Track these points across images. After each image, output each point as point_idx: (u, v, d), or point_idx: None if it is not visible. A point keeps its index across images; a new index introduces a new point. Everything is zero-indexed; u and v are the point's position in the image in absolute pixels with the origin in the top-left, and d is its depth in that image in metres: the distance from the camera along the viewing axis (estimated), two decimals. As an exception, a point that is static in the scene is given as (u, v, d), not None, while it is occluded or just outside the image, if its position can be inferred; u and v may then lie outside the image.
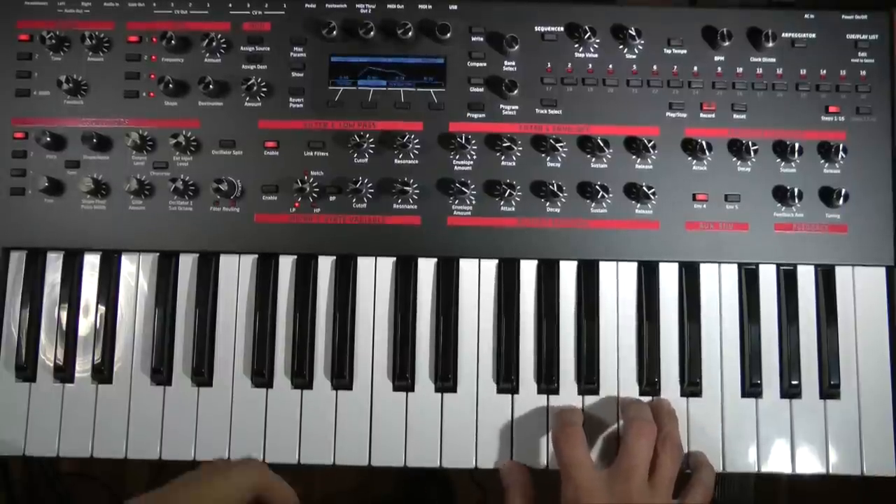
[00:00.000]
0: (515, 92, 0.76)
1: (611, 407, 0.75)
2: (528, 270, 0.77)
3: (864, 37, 0.79)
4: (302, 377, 0.75)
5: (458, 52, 0.79)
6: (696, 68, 0.78)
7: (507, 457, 0.74)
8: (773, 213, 0.77)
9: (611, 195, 0.76)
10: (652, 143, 0.75)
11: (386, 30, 0.78)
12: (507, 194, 0.75)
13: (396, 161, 0.78)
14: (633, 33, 0.77)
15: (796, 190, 0.75)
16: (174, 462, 0.75)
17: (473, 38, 0.79)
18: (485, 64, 0.79)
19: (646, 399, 0.75)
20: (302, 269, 0.77)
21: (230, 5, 0.79)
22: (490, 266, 0.77)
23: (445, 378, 0.75)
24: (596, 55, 0.79)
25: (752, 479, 0.99)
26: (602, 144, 0.75)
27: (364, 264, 0.77)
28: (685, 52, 0.78)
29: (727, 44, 0.77)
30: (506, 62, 0.79)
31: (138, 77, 0.78)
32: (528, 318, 0.76)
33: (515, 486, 0.72)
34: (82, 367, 0.76)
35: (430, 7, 0.79)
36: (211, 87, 0.76)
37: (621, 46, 0.79)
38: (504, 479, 0.73)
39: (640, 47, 0.78)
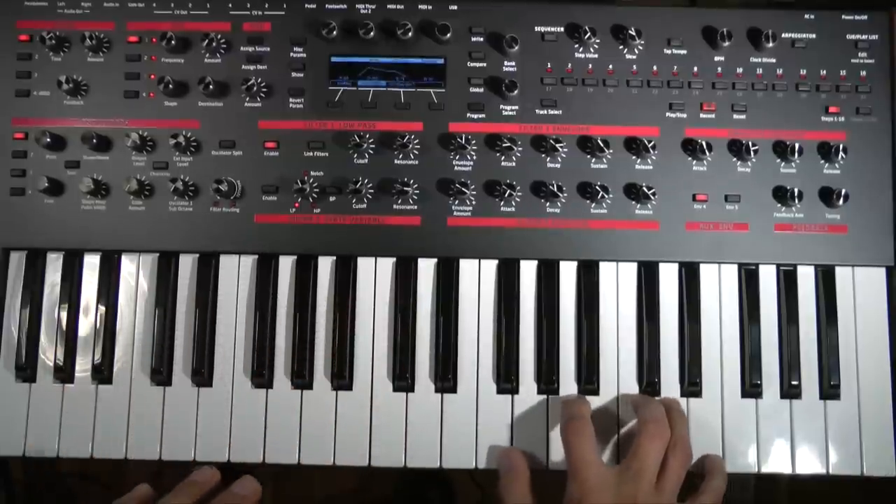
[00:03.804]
0: (515, 92, 0.76)
1: (611, 407, 0.75)
2: (528, 271, 0.77)
3: (864, 37, 0.79)
4: (302, 377, 0.75)
5: (458, 52, 0.79)
6: (696, 68, 0.78)
7: (507, 457, 0.74)
8: (773, 214, 0.77)
9: (611, 195, 0.76)
10: (652, 143, 0.75)
11: (386, 30, 0.78)
12: (507, 194, 0.75)
13: (396, 161, 0.78)
14: (633, 33, 0.77)
15: (796, 190, 0.75)
16: (174, 463, 0.75)
17: (473, 39, 0.79)
18: (485, 64, 0.79)
19: (646, 399, 0.75)
20: (302, 270, 0.77)
21: (230, 5, 0.79)
22: (490, 266, 0.77)
23: (445, 378, 0.75)
24: (596, 55, 0.79)
25: (752, 480, 0.99)
26: (602, 145, 0.75)
27: (364, 265, 0.77)
28: (685, 52, 0.78)
29: (727, 44, 0.77)
30: (506, 62, 0.79)
31: (138, 77, 0.78)
32: (528, 318, 0.76)
33: (512, 470, 0.71)
34: (82, 367, 0.76)
35: (429, 7, 0.79)
36: (211, 87, 0.76)
37: (621, 47, 0.79)
38: (500, 465, 0.73)
39: (640, 47, 0.78)
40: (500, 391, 0.75)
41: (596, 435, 0.74)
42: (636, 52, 0.79)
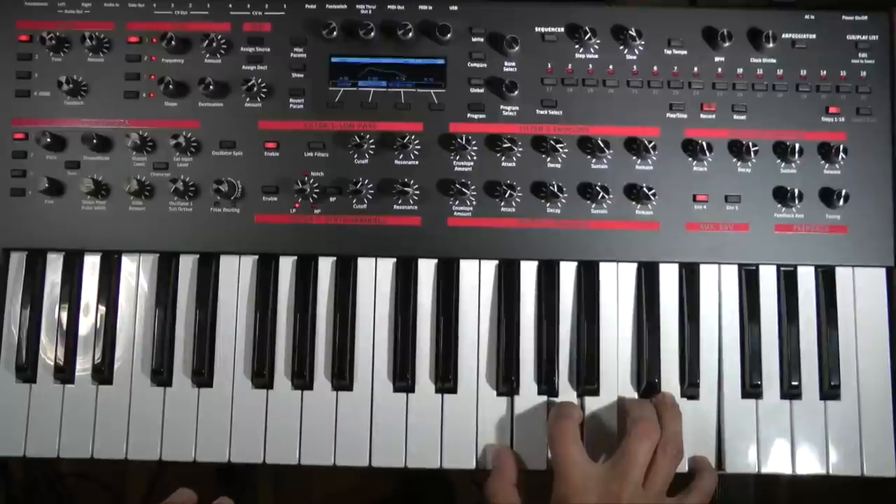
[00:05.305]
0: (516, 93, 0.76)
1: (610, 408, 0.75)
2: (529, 271, 0.77)
3: (865, 37, 0.79)
4: (302, 378, 0.75)
5: (458, 52, 0.79)
6: (696, 69, 0.78)
7: (508, 457, 0.74)
8: (773, 214, 0.77)
9: (611, 196, 0.76)
10: (652, 143, 0.75)
11: (386, 30, 0.78)
12: (507, 195, 0.75)
13: (397, 162, 0.78)
14: (634, 34, 0.77)
15: (796, 191, 0.75)
16: (174, 463, 0.75)
17: (474, 39, 0.79)
18: (485, 65, 0.78)
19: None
20: (302, 270, 0.77)
21: (230, 6, 0.79)
22: (490, 267, 0.77)
23: (446, 379, 0.75)
24: (596, 56, 0.79)
25: (752, 480, 0.99)
26: (602, 145, 0.75)
27: (364, 265, 0.77)
28: (685, 52, 0.78)
29: (727, 44, 0.77)
30: (506, 63, 0.79)
31: (138, 78, 0.78)
32: (528, 319, 0.76)
33: (499, 471, 0.72)
34: (82, 367, 0.76)
35: (430, 8, 0.79)
36: (211, 87, 0.76)
37: (622, 47, 0.79)
38: (492, 463, 0.73)
39: (641, 48, 0.78)
40: (500, 392, 0.75)
41: (595, 436, 0.74)
42: (636, 52, 0.79)
